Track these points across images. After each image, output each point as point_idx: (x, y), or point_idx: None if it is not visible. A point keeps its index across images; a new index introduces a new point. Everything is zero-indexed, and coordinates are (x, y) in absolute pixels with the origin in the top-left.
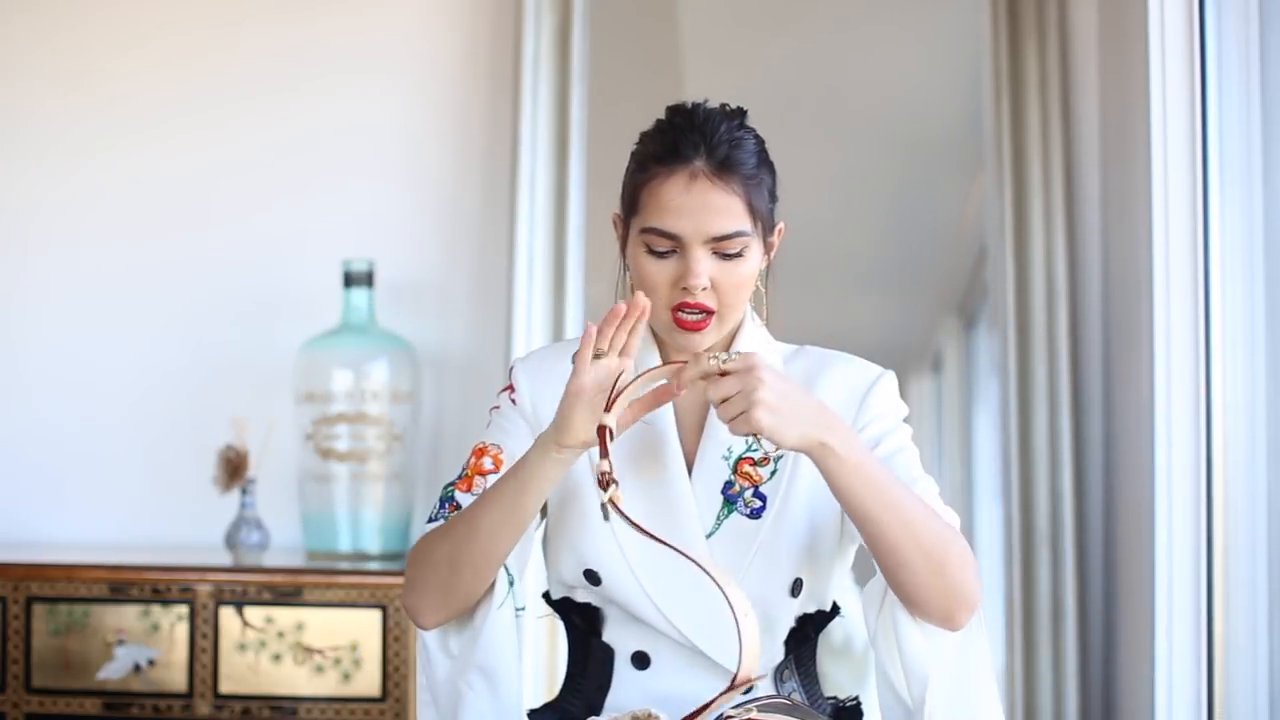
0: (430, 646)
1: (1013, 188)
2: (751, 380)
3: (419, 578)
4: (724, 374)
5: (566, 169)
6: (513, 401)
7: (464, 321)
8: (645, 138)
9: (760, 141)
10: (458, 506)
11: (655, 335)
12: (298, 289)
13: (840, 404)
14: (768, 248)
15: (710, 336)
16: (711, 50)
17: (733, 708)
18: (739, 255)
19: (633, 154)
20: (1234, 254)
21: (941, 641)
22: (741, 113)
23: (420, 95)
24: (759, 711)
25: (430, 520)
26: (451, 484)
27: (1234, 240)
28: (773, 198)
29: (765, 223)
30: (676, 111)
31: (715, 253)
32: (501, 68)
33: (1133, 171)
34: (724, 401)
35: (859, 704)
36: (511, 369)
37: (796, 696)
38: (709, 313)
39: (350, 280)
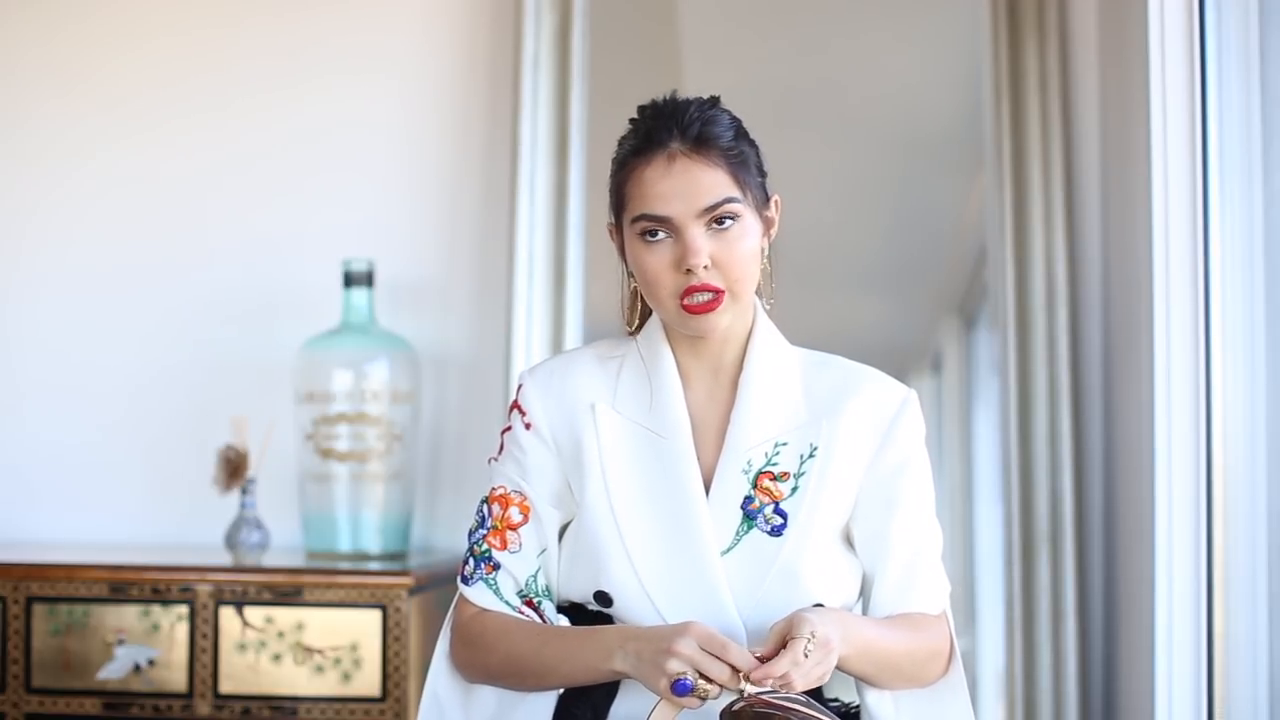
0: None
1: (1013, 188)
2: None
3: (473, 660)
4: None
5: (566, 169)
6: (526, 426)
7: (464, 321)
8: (621, 140)
9: (736, 119)
10: (495, 567)
11: (667, 337)
12: (298, 289)
13: (866, 430)
14: (766, 224)
15: (725, 317)
16: (711, 50)
17: (744, 696)
18: (734, 223)
19: (612, 160)
20: (1234, 254)
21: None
22: (714, 99)
23: (420, 95)
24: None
25: (466, 581)
26: (480, 536)
27: (1234, 240)
28: (760, 171)
29: (756, 195)
30: (645, 107)
31: (710, 227)
32: (501, 68)
33: (1133, 171)
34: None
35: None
36: (520, 386)
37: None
38: (718, 292)
39: (350, 280)
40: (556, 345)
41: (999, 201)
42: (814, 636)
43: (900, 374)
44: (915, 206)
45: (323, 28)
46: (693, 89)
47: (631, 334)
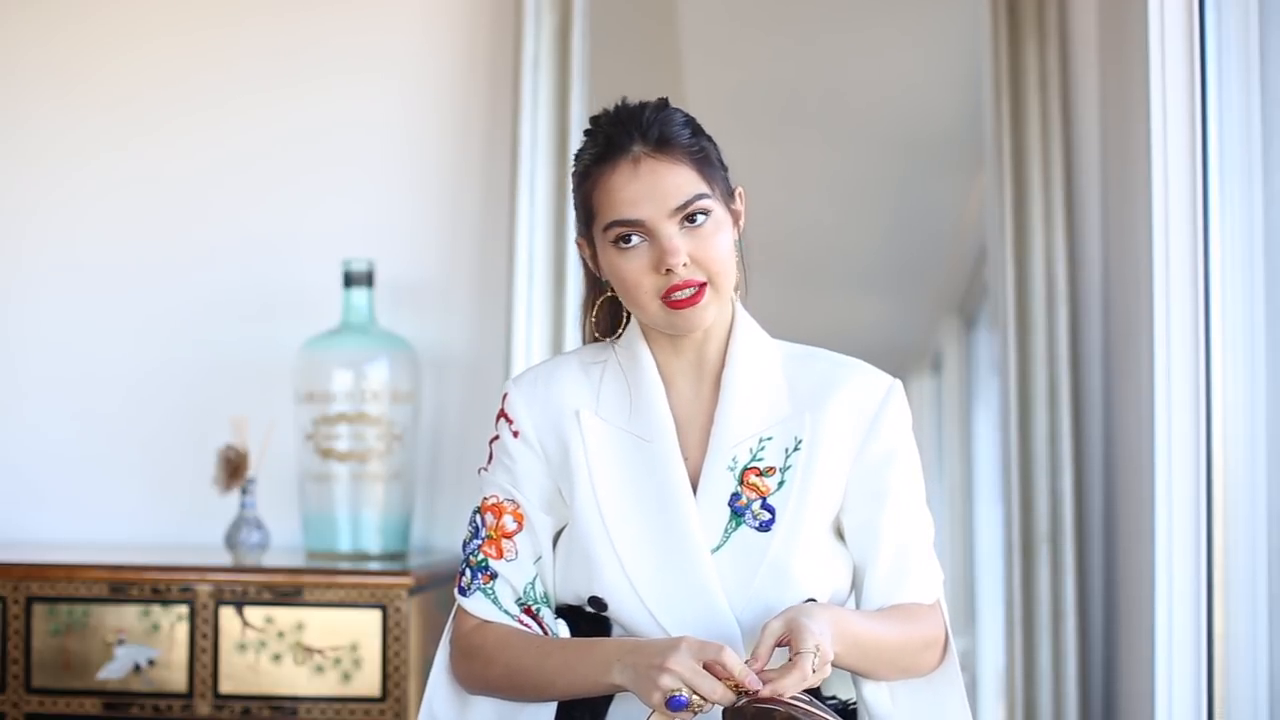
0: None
1: (1013, 188)
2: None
3: (473, 672)
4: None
5: (566, 169)
6: (514, 434)
7: (464, 321)
8: (579, 153)
9: (689, 117)
10: (493, 576)
11: (647, 342)
12: (298, 289)
13: (852, 421)
14: (734, 217)
15: (710, 310)
16: (711, 50)
17: (746, 694)
18: (706, 219)
19: (573, 174)
20: (1234, 254)
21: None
22: (664, 100)
23: (420, 95)
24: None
25: (464, 592)
26: (476, 547)
27: (1234, 240)
28: (722, 165)
29: (722, 188)
30: (598, 117)
31: (683, 226)
32: (501, 68)
33: (1133, 171)
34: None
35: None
36: (505, 395)
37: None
38: (700, 285)
39: (350, 280)
40: (556, 345)
41: (999, 201)
42: (819, 651)
43: (900, 374)
44: (915, 206)
45: (323, 28)
46: (693, 89)
47: (614, 340)
